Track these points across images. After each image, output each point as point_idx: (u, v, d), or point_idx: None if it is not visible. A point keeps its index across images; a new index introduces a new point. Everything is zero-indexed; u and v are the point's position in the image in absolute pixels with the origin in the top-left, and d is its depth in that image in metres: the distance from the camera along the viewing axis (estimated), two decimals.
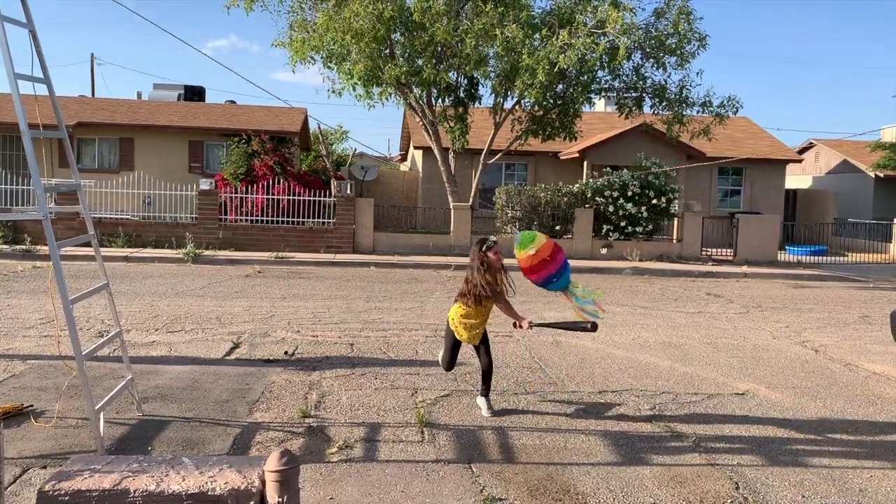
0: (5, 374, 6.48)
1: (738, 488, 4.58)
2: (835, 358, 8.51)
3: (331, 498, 4.22)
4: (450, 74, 17.83)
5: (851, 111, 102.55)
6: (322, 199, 18.64)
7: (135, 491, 2.71)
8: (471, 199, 19.96)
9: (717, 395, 6.68)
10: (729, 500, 4.39)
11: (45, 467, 4.49)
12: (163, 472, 2.83)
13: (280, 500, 2.67)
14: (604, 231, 19.15)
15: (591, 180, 19.92)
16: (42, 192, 4.62)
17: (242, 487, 2.72)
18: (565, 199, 19.09)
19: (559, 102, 18.38)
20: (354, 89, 17.94)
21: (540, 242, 5.67)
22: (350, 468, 4.66)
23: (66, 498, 2.70)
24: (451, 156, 20.39)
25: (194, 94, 28.99)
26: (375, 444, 5.10)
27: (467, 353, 7.97)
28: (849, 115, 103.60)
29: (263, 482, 2.76)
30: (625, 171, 19.64)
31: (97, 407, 4.74)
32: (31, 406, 5.56)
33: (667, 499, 4.38)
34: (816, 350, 8.92)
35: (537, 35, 16.68)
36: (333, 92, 18.44)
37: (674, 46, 17.53)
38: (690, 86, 18.31)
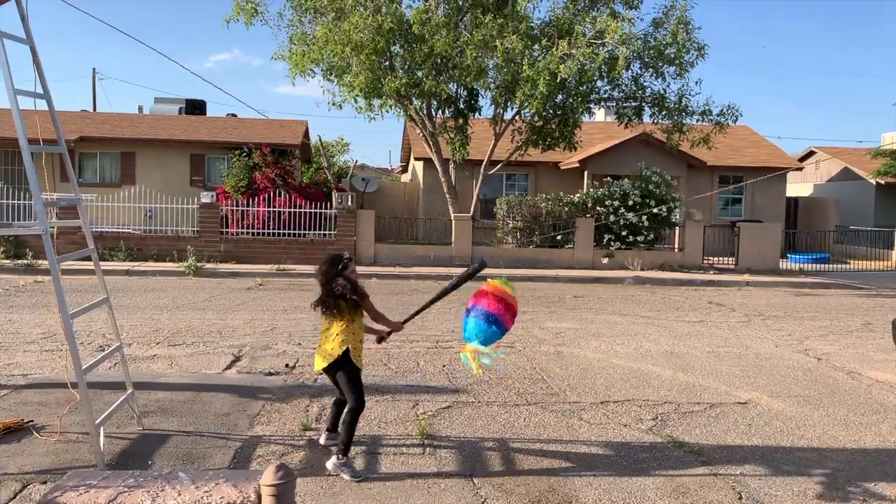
0: (6, 390, 6.47)
1: (741, 498, 4.55)
2: (837, 366, 8.47)
3: None
4: (450, 86, 17.90)
5: (852, 119, 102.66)
6: (323, 211, 18.67)
7: None
8: (472, 210, 19.99)
9: (720, 405, 6.65)
10: None
11: (45, 482, 4.47)
12: (159, 486, 2.82)
13: None
14: (605, 240, 19.14)
15: (591, 190, 19.92)
16: (42, 207, 4.62)
17: (238, 502, 2.71)
18: (566, 208, 19.10)
19: (559, 112, 18.42)
20: (355, 101, 18.04)
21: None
22: (351, 481, 4.64)
23: None
24: (451, 167, 20.43)
25: (195, 107, 29.10)
26: (376, 457, 5.09)
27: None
28: (850, 124, 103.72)
29: (259, 496, 2.74)
30: (625, 180, 19.65)
31: (97, 421, 4.73)
32: (32, 421, 5.54)
33: None
34: (819, 358, 8.89)
35: (537, 46, 16.73)
36: (334, 104, 18.56)
37: (672, 56, 17.60)
38: (690, 95, 18.39)
